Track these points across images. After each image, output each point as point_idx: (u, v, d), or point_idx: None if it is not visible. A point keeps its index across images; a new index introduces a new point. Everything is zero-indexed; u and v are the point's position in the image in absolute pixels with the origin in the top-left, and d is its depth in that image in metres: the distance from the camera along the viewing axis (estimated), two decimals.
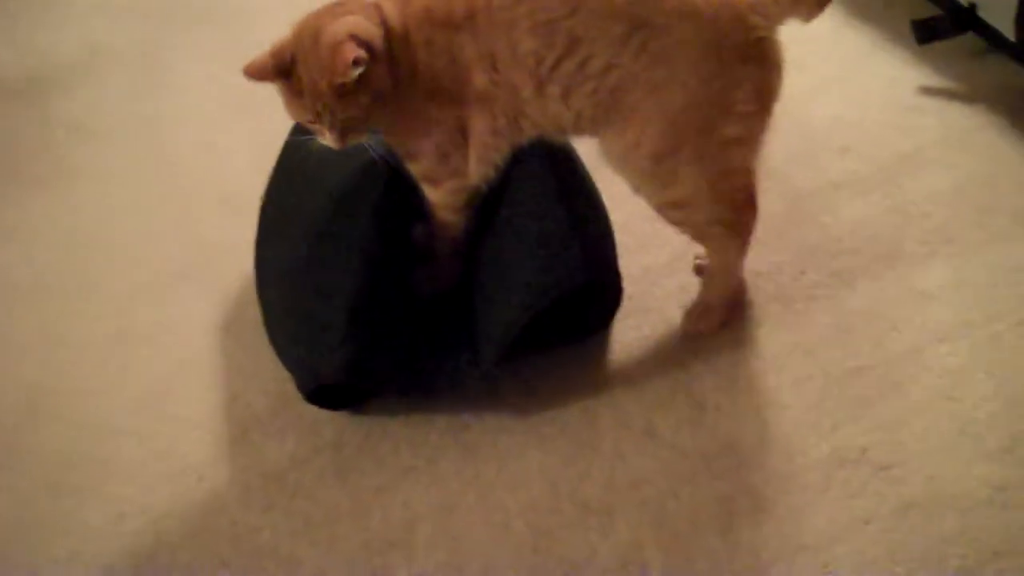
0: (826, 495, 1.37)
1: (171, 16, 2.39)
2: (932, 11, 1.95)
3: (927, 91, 1.92)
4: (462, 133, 1.42)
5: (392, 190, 1.48)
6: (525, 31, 1.33)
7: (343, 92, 1.32)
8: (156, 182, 1.97)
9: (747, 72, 1.36)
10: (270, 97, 1.70)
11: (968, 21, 1.89)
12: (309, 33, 1.34)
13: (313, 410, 1.52)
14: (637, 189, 1.45)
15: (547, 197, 1.45)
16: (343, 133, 1.36)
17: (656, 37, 1.32)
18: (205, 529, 1.43)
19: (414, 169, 1.46)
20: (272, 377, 1.57)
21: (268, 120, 1.50)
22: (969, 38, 1.94)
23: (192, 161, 2.00)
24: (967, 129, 1.83)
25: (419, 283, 1.53)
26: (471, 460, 1.46)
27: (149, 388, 1.61)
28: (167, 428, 1.55)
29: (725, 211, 1.47)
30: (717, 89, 1.35)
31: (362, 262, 1.46)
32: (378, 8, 1.37)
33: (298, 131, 1.66)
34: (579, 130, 1.42)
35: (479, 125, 1.41)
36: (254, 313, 1.64)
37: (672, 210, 1.47)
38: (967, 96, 1.89)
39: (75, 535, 1.44)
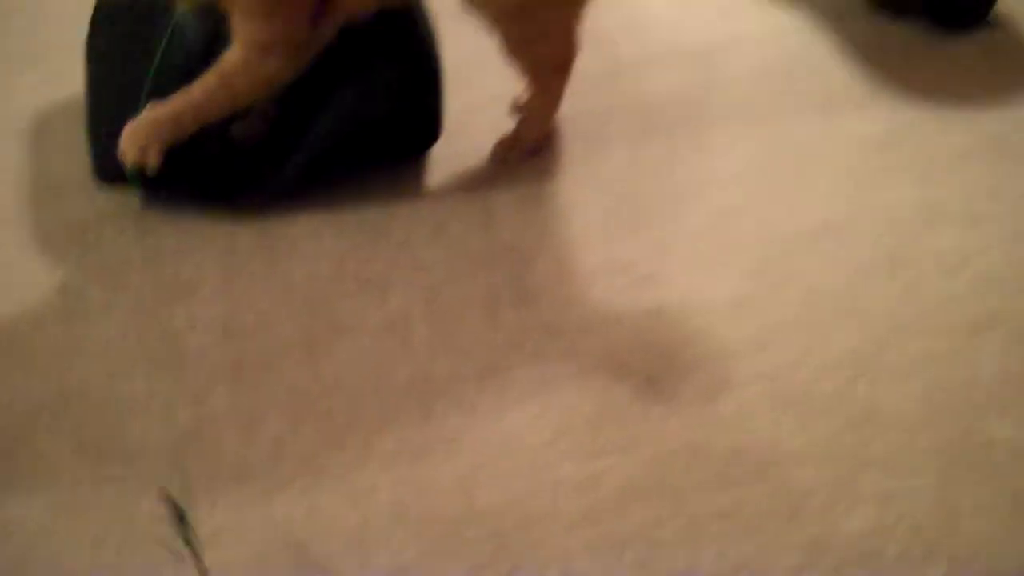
0: (587, 294, 1.47)
1: None
2: None
3: None
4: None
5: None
6: None
7: None
8: None
9: None
10: None
11: None
12: None
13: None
14: (496, 23, 1.54)
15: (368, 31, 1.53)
16: None
17: None
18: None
19: (249, 37, 1.47)
20: None
21: None
22: None
23: None
24: (783, 28, 1.97)
25: (238, 138, 1.58)
26: (267, 236, 1.54)
27: None
28: None
29: (563, 50, 1.59)
30: None
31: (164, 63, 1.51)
32: None
33: None
34: None
35: None
36: (78, 99, 1.69)
37: (522, 45, 1.57)
38: (788, 3, 2.02)
39: None
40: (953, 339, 1.41)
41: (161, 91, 1.47)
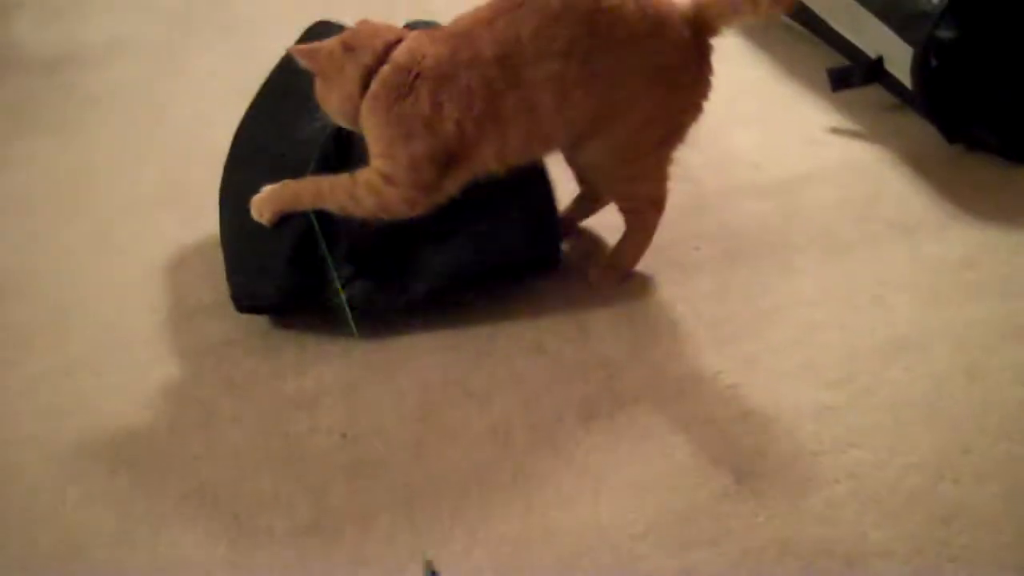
0: (677, 401, 1.57)
1: (191, 21, 2.72)
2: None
3: (835, 131, 2.18)
4: (446, 157, 1.62)
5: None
6: (551, 55, 1.58)
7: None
8: (152, 139, 2.24)
9: (704, 68, 1.66)
10: None
11: (876, 72, 2.16)
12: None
13: None
14: (604, 168, 1.70)
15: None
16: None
17: (651, 53, 1.62)
18: (140, 381, 1.64)
19: (376, 164, 1.62)
20: (224, 280, 1.80)
21: None
22: (885, 96, 2.20)
23: (188, 129, 2.28)
24: (862, 161, 2.08)
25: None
26: (381, 353, 1.67)
27: (114, 281, 1.84)
28: (125, 310, 1.78)
29: (659, 188, 1.74)
30: (687, 82, 1.65)
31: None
32: (394, 43, 1.62)
33: (282, 69, 1.92)
34: (580, 135, 1.66)
35: (486, 150, 1.62)
36: (215, 234, 1.88)
37: (627, 183, 1.73)
38: (869, 137, 2.14)
39: (23, 386, 1.66)
40: None
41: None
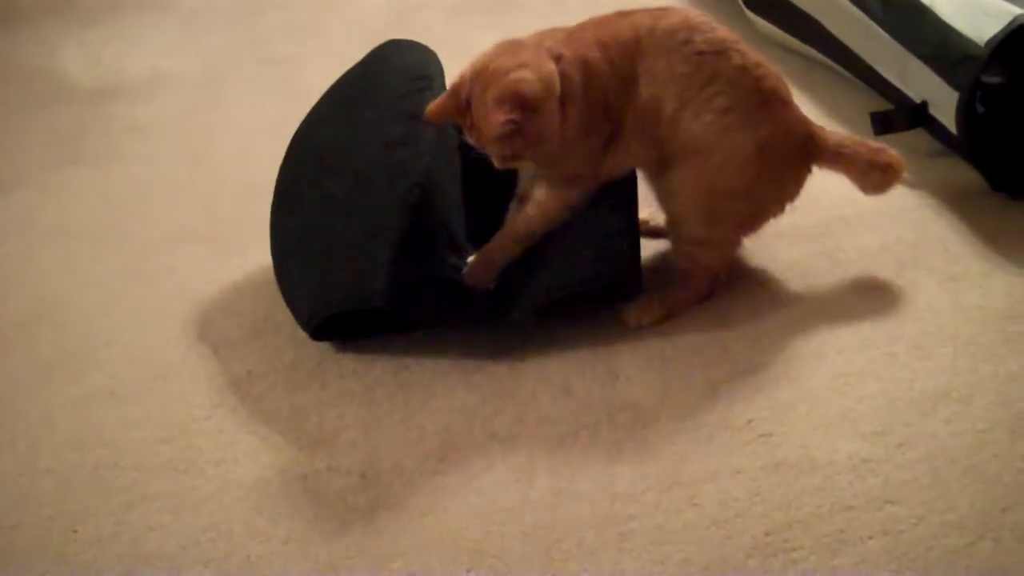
0: (707, 448, 1.52)
1: (232, 56, 2.73)
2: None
3: None
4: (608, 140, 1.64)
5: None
6: (681, 57, 1.61)
7: (502, 139, 1.53)
8: (190, 171, 2.25)
9: (805, 169, 1.74)
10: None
11: (920, 117, 2.12)
12: (482, 79, 1.54)
13: (276, 339, 1.73)
14: (679, 219, 1.71)
15: (622, 195, 1.70)
16: (505, 160, 1.60)
17: (769, 108, 1.66)
18: (160, 414, 1.62)
19: (560, 171, 1.65)
20: (250, 315, 1.79)
21: None
22: (929, 141, 2.16)
23: (226, 161, 2.28)
24: (904, 207, 2.03)
25: (468, 275, 1.70)
26: (403, 391, 1.64)
27: (142, 309, 1.83)
28: (151, 341, 1.77)
29: (721, 262, 1.77)
30: (784, 175, 1.71)
31: (417, 196, 1.64)
32: (548, 46, 1.60)
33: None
34: (674, 155, 1.66)
35: (631, 128, 1.65)
36: (248, 269, 1.87)
37: (694, 245, 1.73)
38: (912, 184, 2.09)
39: (51, 406, 1.66)
40: None
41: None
